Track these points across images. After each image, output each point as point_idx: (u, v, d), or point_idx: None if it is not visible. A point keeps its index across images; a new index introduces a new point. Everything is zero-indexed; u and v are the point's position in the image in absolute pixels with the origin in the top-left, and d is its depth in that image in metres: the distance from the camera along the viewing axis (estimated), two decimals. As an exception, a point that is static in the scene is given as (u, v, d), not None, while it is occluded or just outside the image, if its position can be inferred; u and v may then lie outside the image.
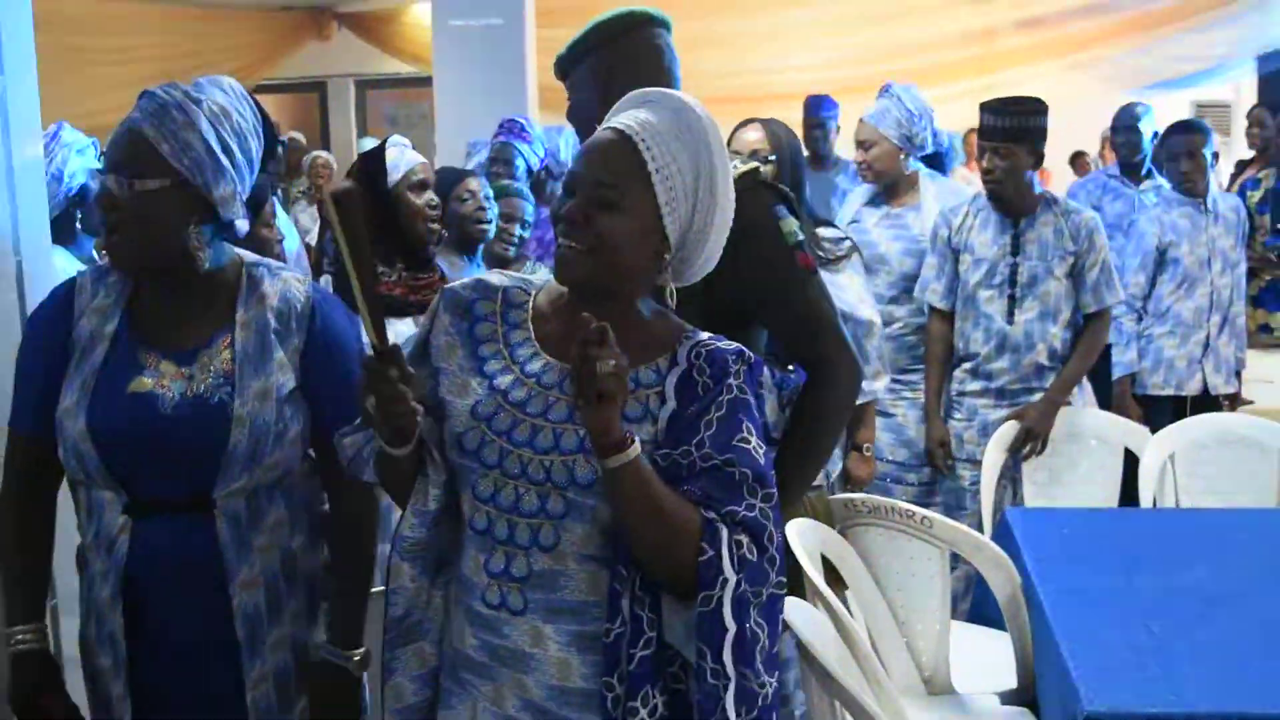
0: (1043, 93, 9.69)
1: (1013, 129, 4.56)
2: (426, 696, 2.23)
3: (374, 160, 3.90)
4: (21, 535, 2.64)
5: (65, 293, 2.62)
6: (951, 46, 9.88)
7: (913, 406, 4.62)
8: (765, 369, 2.30)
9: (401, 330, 3.74)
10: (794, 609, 2.75)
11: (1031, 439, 4.51)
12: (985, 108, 4.64)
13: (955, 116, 10.76)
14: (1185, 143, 5.47)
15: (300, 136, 11.45)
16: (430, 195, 4.03)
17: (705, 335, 2.25)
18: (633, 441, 2.01)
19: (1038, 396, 4.53)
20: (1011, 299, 4.60)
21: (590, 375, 1.91)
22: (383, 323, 2.06)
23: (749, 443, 2.14)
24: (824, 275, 3.56)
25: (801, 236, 2.92)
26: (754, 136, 3.98)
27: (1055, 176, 9.38)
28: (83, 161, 4.17)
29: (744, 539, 2.08)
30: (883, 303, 4.56)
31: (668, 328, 2.25)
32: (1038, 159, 4.63)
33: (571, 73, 2.97)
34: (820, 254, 3.79)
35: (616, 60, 2.85)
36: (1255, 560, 3.41)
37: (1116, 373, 5.44)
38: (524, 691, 2.16)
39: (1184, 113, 11.73)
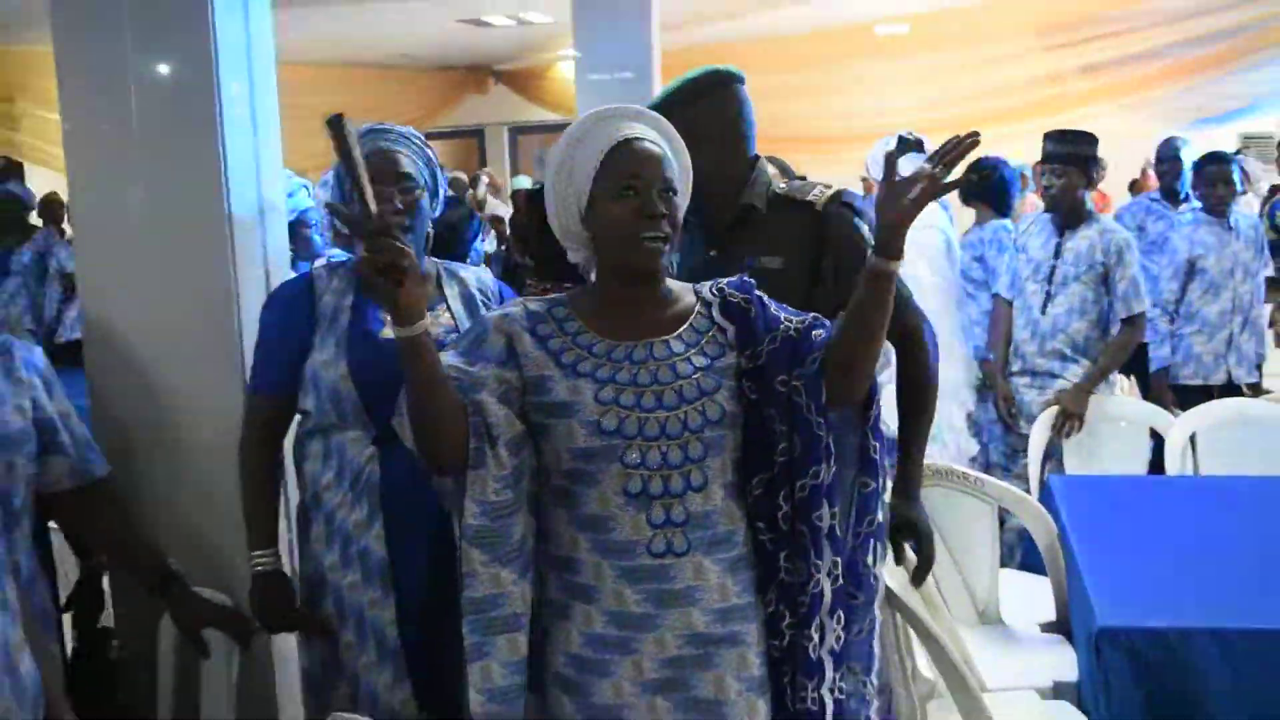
0: (1102, 129, 9.67)
1: (1068, 154, 4.72)
2: (516, 681, 2.14)
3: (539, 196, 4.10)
4: (260, 477, 2.72)
5: (305, 280, 2.76)
6: (1021, 91, 9.79)
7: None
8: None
9: None
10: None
11: (1069, 419, 4.59)
12: (1047, 136, 4.79)
13: (1026, 151, 11.00)
14: (1215, 172, 5.51)
15: (462, 175, 11.69)
16: None
17: (709, 283, 2.30)
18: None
19: (1059, 381, 4.62)
20: (1047, 295, 4.74)
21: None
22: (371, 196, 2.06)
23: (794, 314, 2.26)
24: None
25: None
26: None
27: (1115, 201, 9.29)
28: (293, 201, 4.33)
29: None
30: None
31: (680, 289, 2.29)
32: (1089, 181, 4.77)
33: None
34: None
35: (699, 115, 2.76)
36: (1258, 516, 3.46)
37: (1153, 366, 5.49)
38: (689, 626, 2.13)
39: (1232, 144, 11.47)
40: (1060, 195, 4.74)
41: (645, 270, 2.19)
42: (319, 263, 4.03)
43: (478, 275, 2.91)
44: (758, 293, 2.25)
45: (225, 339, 3.03)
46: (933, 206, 4.49)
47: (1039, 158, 9.97)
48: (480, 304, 2.81)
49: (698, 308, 2.25)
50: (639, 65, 7.94)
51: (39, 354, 2.48)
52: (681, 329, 2.22)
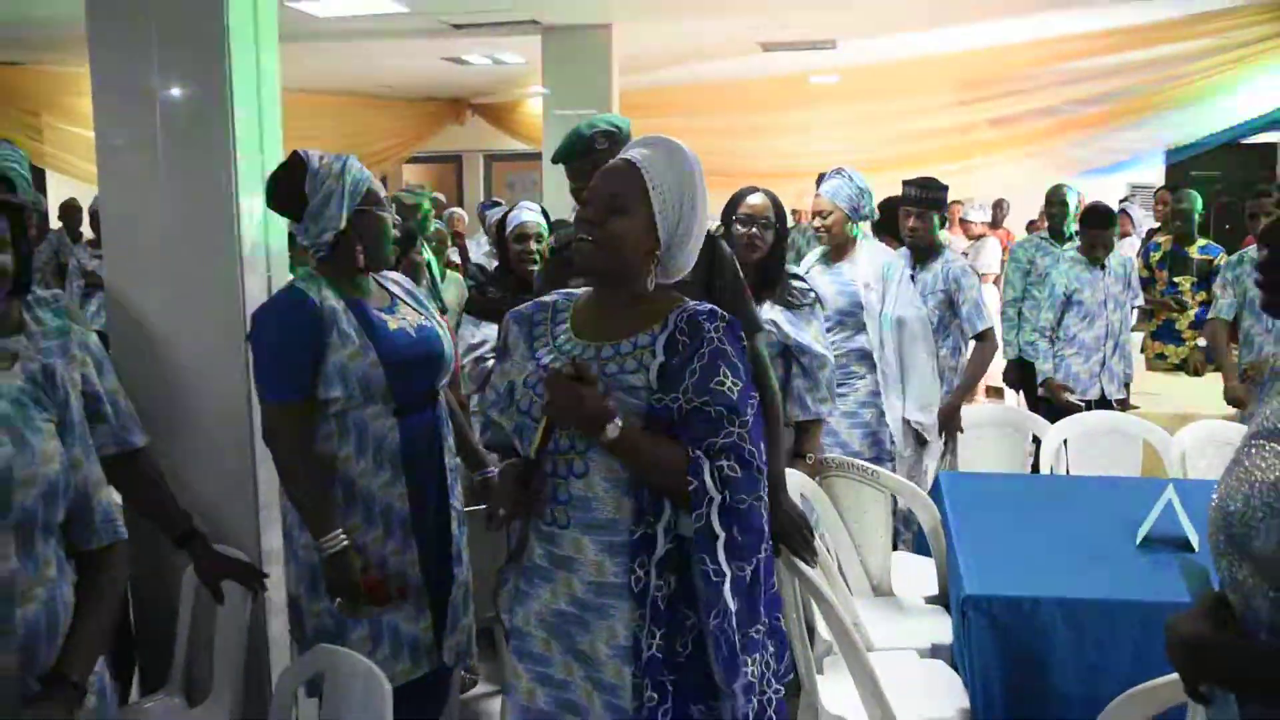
0: (1006, 175, 9.88)
1: (926, 198, 4.93)
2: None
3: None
4: (311, 475, 2.74)
5: (296, 296, 2.77)
6: (937, 138, 9.88)
7: (843, 415, 4.24)
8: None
9: (490, 333, 3.96)
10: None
11: (946, 432, 4.75)
12: (907, 183, 4.98)
13: None
14: (1095, 236, 5.59)
15: (442, 197, 11.68)
16: (531, 244, 4.21)
17: (694, 304, 2.21)
18: (610, 416, 2.03)
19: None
20: None
21: (571, 406, 2.02)
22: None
23: (724, 384, 2.08)
24: (789, 315, 3.75)
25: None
26: (759, 201, 3.85)
27: (1018, 237, 9.46)
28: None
29: (725, 461, 2.04)
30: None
31: (667, 301, 2.21)
32: (941, 221, 5.02)
33: (568, 166, 3.14)
34: (790, 299, 3.79)
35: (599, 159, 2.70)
36: (1109, 508, 3.54)
37: (1040, 378, 5.65)
38: (570, 589, 2.16)
39: (1121, 192, 11.70)
40: (921, 234, 4.95)
41: (579, 267, 2.21)
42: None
43: (395, 276, 3.09)
44: (710, 346, 2.12)
45: (232, 330, 3.13)
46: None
47: (951, 199, 10.14)
48: (406, 290, 3.01)
49: (656, 324, 2.18)
50: (600, 102, 7.98)
51: (94, 339, 2.59)
52: (625, 339, 2.19)
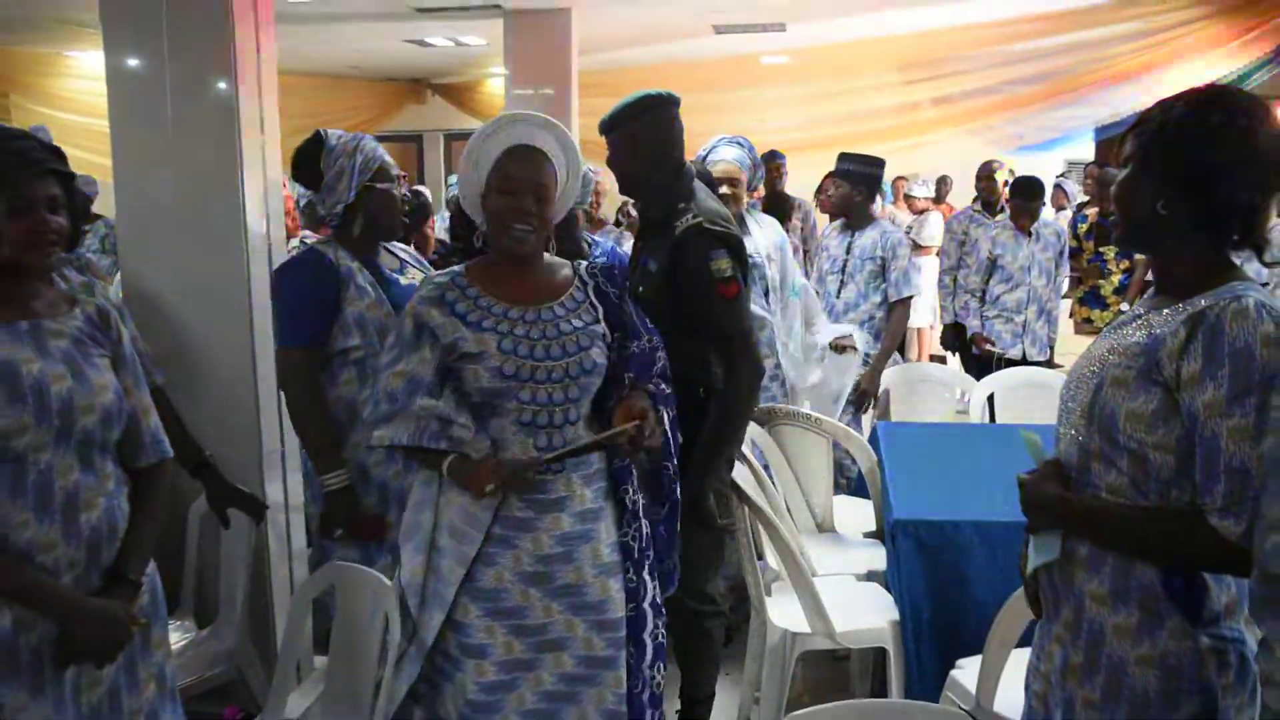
0: (948, 151, 10.13)
1: (850, 171, 5.21)
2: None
3: None
4: (321, 416, 2.99)
5: (316, 254, 3.05)
6: (883, 116, 10.08)
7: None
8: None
9: None
10: (739, 472, 3.27)
11: (863, 395, 5.01)
12: (840, 156, 5.26)
13: (888, 169, 11.47)
14: (1019, 205, 5.99)
15: (404, 175, 11.70)
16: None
17: (590, 260, 2.56)
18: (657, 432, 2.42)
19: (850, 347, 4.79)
20: (841, 282, 5.20)
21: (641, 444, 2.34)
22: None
23: (649, 324, 2.57)
24: None
25: (729, 272, 3.02)
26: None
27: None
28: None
29: (663, 385, 2.52)
30: None
31: (563, 263, 2.54)
32: (870, 194, 5.29)
33: (610, 135, 3.16)
34: None
35: (642, 129, 3.09)
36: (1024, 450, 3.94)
37: (970, 333, 6.06)
38: (558, 527, 2.38)
39: (1059, 168, 12.08)
40: (839, 202, 5.27)
41: (513, 253, 2.43)
42: (299, 239, 4.40)
43: (401, 247, 3.34)
44: (625, 289, 2.54)
45: (237, 292, 3.40)
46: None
47: (896, 175, 10.34)
48: (414, 258, 3.27)
49: (575, 281, 2.51)
50: (560, 82, 8.20)
51: (114, 291, 2.83)
52: (563, 296, 2.47)
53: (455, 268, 2.53)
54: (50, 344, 2.09)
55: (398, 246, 3.33)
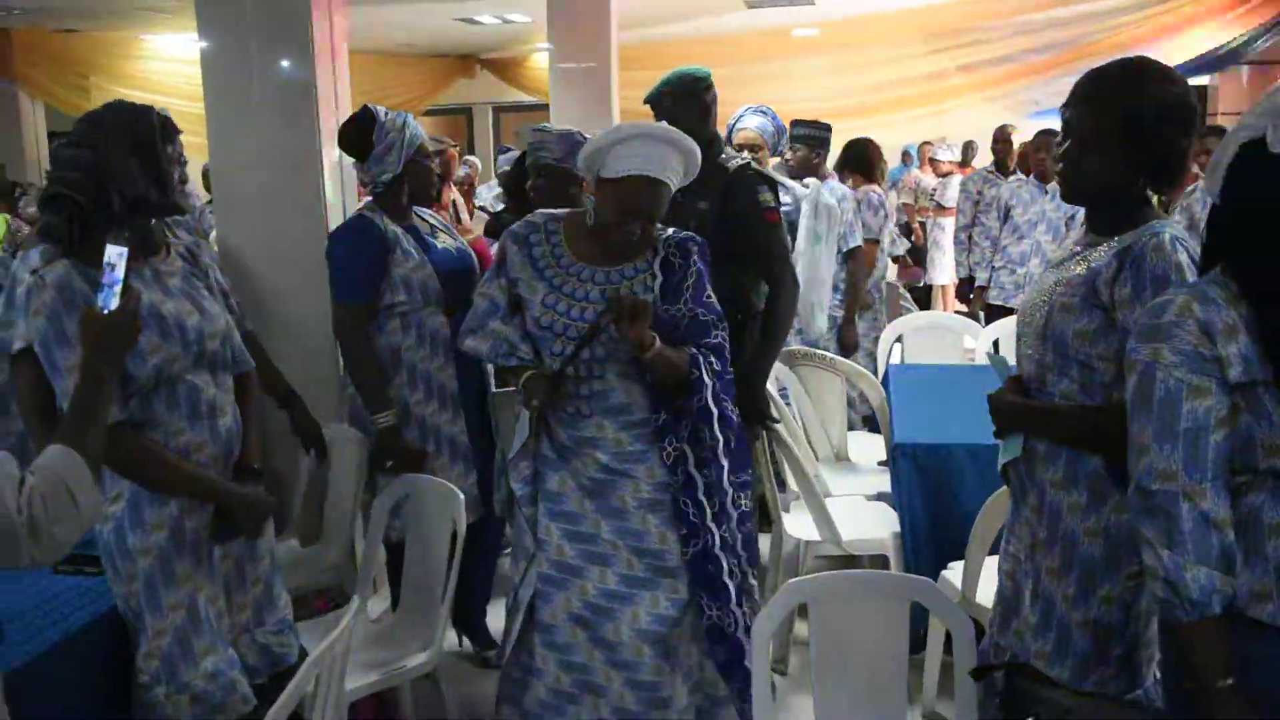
0: (971, 116, 10.23)
1: (805, 136, 5.42)
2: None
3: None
4: (372, 361, 3.24)
5: (365, 221, 3.27)
6: (910, 85, 10.21)
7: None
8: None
9: None
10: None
11: (845, 347, 5.26)
12: (794, 122, 5.42)
13: (914, 134, 11.35)
14: (1040, 142, 6.10)
15: (457, 145, 11.67)
16: None
17: (672, 232, 2.60)
18: (654, 341, 2.42)
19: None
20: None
21: (632, 323, 2.38)
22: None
23: (711, 297, 2.60)
24: None
25: (772, 203, 3.41)
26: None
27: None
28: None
29: (713, 358, 2.54)
30: None
31: (655, 235, 2.61)
32: (823, 157, 5.50)
33: (658, 106, 3.45)
34: None
35: (689, 105, 3.39)
36: None
37: (979, 284, 6.31)
38: (596, 461, 2.57)
39: None
40: (798, 165, 5.41)
41: (612, 246, 2.57)
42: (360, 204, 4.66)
43: (429, 212, 3.56)
44: (695, 265, 2.57)
45: (318, 254, 3.55)
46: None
47: (922, 140, 10.41)
48: (441, 223, 3.49)
49: (648, 250, 2.58)
50: (601, 56, 8.21)
51: (215, 248, 3.12)
52: (628, 264, 2.57)
53: (557, 211, 2.70)
54: (168, 283, 2.42)
55: (426, 212, 3.55)
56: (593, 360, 2.52)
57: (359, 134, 3.33)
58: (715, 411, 2.53)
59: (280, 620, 2.60)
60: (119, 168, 2.24)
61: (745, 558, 2.67)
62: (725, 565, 2.57)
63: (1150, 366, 1.71)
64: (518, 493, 2.68)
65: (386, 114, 3.34)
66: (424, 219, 3.51)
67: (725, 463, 2.57)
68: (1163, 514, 1.67)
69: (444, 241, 3.45)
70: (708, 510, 2.56)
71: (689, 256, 2.57)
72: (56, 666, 2.19)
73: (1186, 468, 1.66)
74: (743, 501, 2.65)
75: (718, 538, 2.56)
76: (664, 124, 2.72)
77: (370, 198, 3.33)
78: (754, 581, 2.70)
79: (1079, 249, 2.20)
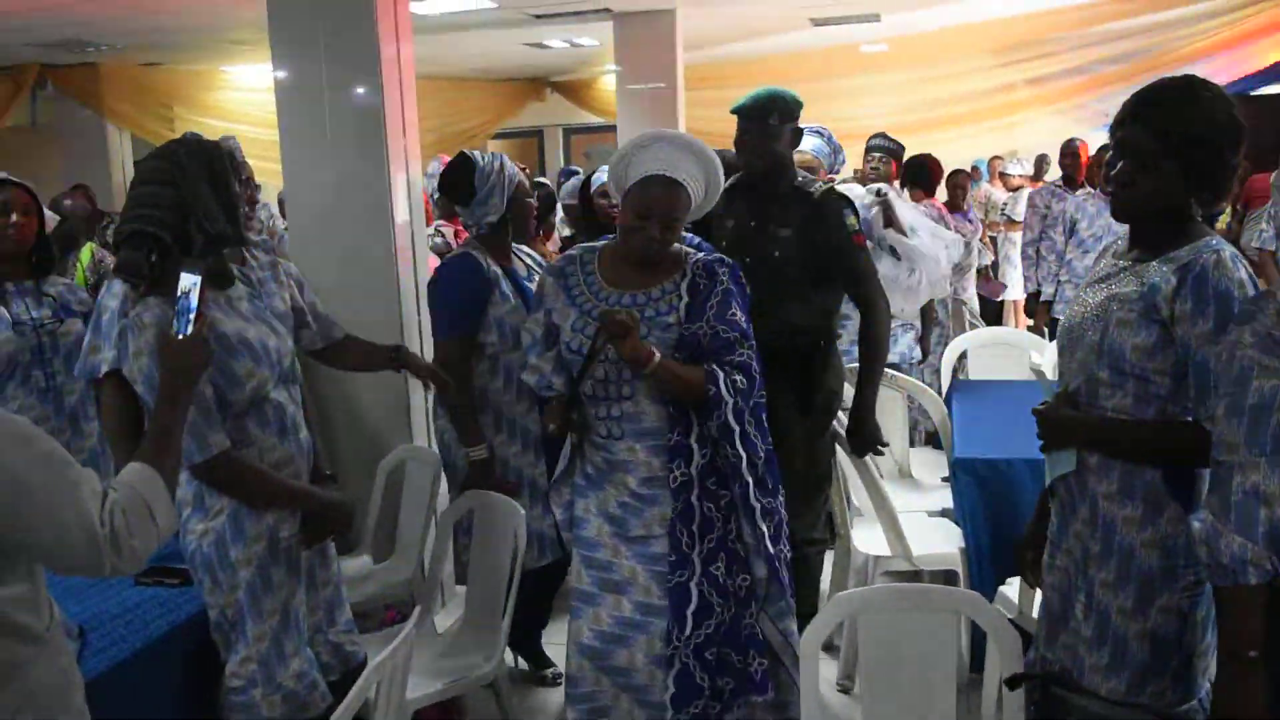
0: (1040, 130, 10.12)
1: (886, 148, 5.56)
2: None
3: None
4: (472, 398, 3.29)
5: (470, 258, 3.32)
6: (979, 99, 10.16)
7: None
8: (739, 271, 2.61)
9: None
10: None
11: None
12: (873, 136, 5.52)
13: (982, 148, 11.23)
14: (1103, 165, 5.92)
15: (526, 169, 11.78)
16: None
17: (701, 254, 2.58)
18: (651, 356, 2.39)
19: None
20: None
21: (621, 339, 2.37)
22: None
23: (737, 316, 2.52)
24: None
25: (858, 227, 3.42)
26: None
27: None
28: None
29: (737, 376, 2.48)
30: None
31: (683, 254, 2.59)
32: (896, 169, 5.59)
33: (757, 117, 3.38)
34: None
35: (752, 123, 3.37)
36: None
37: (1044, 299, 6.25)
38: (625, 485, 2.55)
39: None
40: (879, 177, 5.44)
41: (634, 257, 2.57)
42: (433, 226, 4.76)
43: (526, 249, 3.59)
44: (722, 286, 2.54)
45: (386, 271, 3.83)
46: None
47: (992, 154, 10.25)
48: (536, 262, 3.50)
49: (677, 273, 2.55)
50: (667, 77, 8.42)
51: (293, 266, 3.06)
52: (655, 286, 2.55)
53: (596, 243, 2.71)
54: (242, 308, 2.50)
55: (524, 250, 3.58)
56: (622, 381, 2.52)
57: (459, 179, 3.38)
58: (737, 429, 2.48)
59: (348, 620, 2.70)
60: (200, 204, 2.32)
61: (778, 575, 2.60)
62: (696, 599, 2.51)
63: (1232, 345, 1.78)
64: (559, 518, 2.72)
65: (483, 157, 3.37)
66: (522, 259, 3.53)
67: (750, 479, 2.52)
68: (1221, 484, 1.75)
69: None
70: (697, 544, 2.52)
71: (715, 277, 2.55)
72: (136, 673, 2.28)
73: (1247, 441, 1.72)
74: (772, 521, 2.60)
75: (699, 572, 2.51)
76: (682, 131, 2.71)
77: (441, 221, 3.38)
78: (791, 601, 2.65)
79: (1125, 265, 2.19)
